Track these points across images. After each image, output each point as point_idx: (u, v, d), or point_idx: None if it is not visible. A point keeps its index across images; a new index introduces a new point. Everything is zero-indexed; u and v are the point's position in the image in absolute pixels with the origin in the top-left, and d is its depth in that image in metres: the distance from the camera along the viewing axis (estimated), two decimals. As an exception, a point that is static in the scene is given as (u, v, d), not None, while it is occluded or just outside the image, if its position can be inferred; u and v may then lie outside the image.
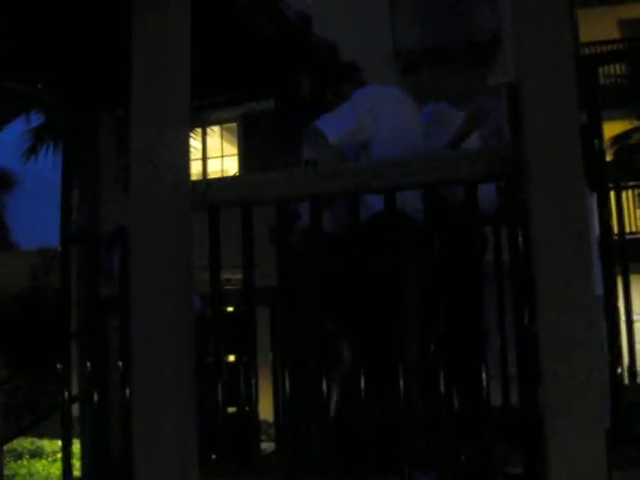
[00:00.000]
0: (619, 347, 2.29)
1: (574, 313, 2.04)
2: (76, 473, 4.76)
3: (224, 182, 2.74)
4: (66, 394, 2.98)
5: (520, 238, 2.25)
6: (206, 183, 2.77)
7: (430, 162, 2.43)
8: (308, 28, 3.70)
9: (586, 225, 2.05)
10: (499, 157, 2.35)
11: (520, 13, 2.29)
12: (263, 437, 3.49)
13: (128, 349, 2.56)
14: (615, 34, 16.12)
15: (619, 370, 2.26)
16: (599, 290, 2.31)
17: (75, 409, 3.71)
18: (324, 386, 2.46)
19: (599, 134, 2.36)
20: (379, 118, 3.05)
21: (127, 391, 2.80)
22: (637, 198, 12.06)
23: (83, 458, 3.86)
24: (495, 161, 2.34)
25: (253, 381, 2.64)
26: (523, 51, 2.27)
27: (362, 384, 2.42)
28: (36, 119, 16.02)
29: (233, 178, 2.74)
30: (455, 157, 2.51)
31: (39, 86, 3.89)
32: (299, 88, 3.66)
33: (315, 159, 3.05)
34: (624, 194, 3.57)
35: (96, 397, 3.05)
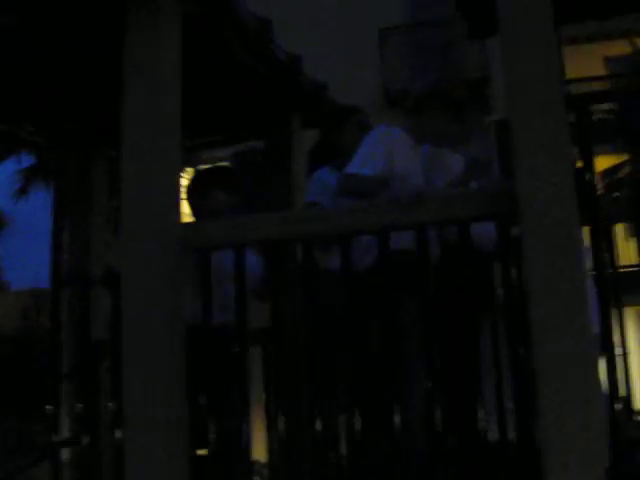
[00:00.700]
0: (616, 382, 2.28)
1: (571, 347, 2.03)
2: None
3: (215, 223, 2.73)
4: (54, 436, 2.94)
5: (514, 275, 2.25)
6: (196, 225, 2.77)
7: (425, 202, 2.44)
8: (299, 69, 3.72)
9: (581, 262, 2.05)
10: (492, 196, 2.36)
11: (509, 51, 2.31)
12: (257, 478, 3.44)
13: (119, 390, 2.53)
14: (602, 71, 16.31)
15: (617, 405, 2.24)
16: (596, 327, 2.31)
17: (66, 452, 3.66)
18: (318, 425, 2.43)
19: (591, 170, 2.37)
20: (393, 160, 3.07)
21: (118, 433, 2.76)
22: (627, 232, 12.08)
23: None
24: (489, 200, 2.35)
25: (246, 421, 2.61)
26: (512, 89, 2.29)
27: (359, 424, 2.40)
28: (27, 159, 16.08)
29: (224, 220, 2.75)
30: (450, 197, 2.51)
31: (29, 128, 3.89)
32: (290, 128, 3.69)
33: (316, 202, 3.06)
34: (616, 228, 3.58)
35: (86, 439, 3.01)
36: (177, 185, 2.65)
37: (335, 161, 3.39)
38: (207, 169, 3.67)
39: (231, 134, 4.12)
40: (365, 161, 3.05)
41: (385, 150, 3.09)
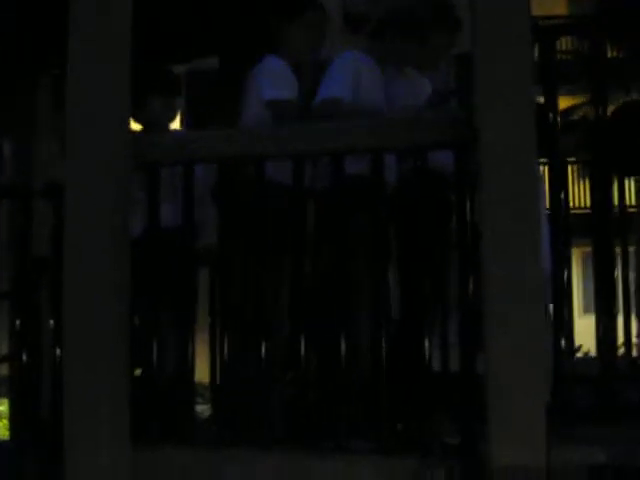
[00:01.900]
0: (563, 320, 2.30)
1: (520, 282, 2.03)
2: (4, 432, 4.65)
3: (164, 139, 2.63)
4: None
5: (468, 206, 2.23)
6: (146, 138, 2.67)
7: (379, 127, 2.39)
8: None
9: (538, 199, 2.03)
10: (450, 124, 2.31)
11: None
12: (199, 400, 3.44)
13: (60, 308, 2.47)
14: (564, 10, 16.24)
15: (562, 342, 2.26)
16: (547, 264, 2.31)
17: (5, 369, 3.60)
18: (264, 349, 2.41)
19: (554, 107, 2.34)
20: (358, 87, 3.02)
21: (58, 350, 2.71)
22: (578, 173, 12.23)
23: (11, 418, 3.76)
24: (446, 128, 2.30)
25: (190, 342, 2.58)
26: (478, 19, 2.22)
27: (304, 348, 2.39)
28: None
29: (173, 135, 2.65)
30: (405, 122, 2.46)
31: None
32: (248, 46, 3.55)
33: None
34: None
35: (25, 356, 2.95)
36: (126, 99, 2.53)
37: (279, 51, 3.21)
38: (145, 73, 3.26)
39: (186, 50, 3.98)
40: (339, 85, 2.99)
41: (354, 77, 3.03)
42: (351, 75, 3.04)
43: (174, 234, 2.55)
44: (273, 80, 3.04)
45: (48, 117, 4.12)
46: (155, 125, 3.16)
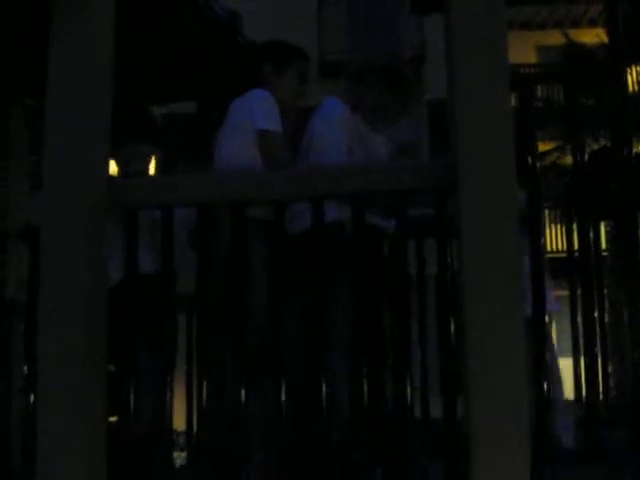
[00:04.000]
0: (544, 364, 2.29)
1: (502, 328, 2.03)
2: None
3: (143, 182, 2.61)
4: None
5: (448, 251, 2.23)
6: (124, 183, 2.65)
7: (359, 172, 2.39)
8: (238, 29, 3.61)
9: (516, 237, 2.04)
10: (429, 170, 2.32)
11: (455, 27, 2.26)
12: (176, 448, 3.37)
13: (34, 354, 2.41)
14: (533, 59, 16.64)
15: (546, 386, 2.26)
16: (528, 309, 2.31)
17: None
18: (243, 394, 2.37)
19: (533, 152, 2.36)
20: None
21: (31, 397, 2.64)
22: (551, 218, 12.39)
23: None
24: (425, 174, 2.31)
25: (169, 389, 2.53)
26: (457, 67, 2.24)
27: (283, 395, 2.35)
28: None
29: (152, 178, 2.64)
30: (384, 168, 2.47)
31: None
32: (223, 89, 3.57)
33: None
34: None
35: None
36: (104, 140, 2.51)
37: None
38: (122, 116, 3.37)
39: (165, 93, 3.98)
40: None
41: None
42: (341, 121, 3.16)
43: (153, 279, 2.52)
44: (267, 111, 3.06)
45: (23, 155, 4.07)
46: (133, 168, 3.15)
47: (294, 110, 3.28)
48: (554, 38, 14.92)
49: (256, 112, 3.03)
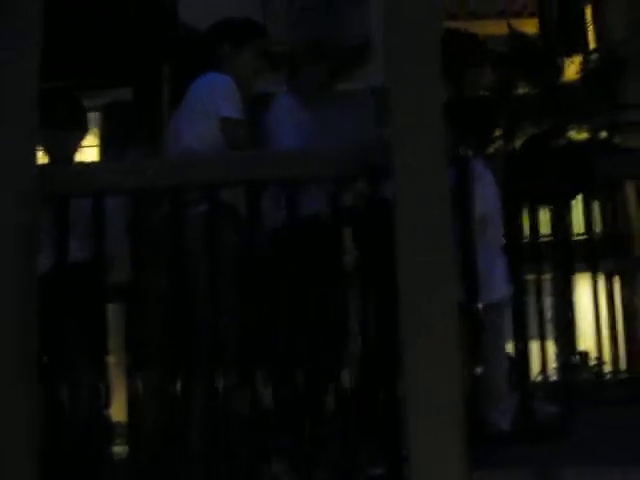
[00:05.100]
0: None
1: (433, 314, 2.04)
2: None
3: (75, 170, 2.56)
4: None
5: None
6: (55, 170, 2.59)
7: (291, 158, 2.39)
8: (175, 15, 3.56)
9: (447, 219, 2.06)
10: (363, 155, 2.32)
11: (390, 19, 2.27)
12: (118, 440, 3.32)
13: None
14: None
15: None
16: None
17: None
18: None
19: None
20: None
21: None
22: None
23: None
24: (359, 159, 2.31)
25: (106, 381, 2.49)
26: (389, 53, 2.25)
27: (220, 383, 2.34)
28: None
29: (84, 166, 2.60)
30: (317, 154, 2.47)
31: None
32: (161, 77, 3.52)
33: None
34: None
35: None
36: (32, 127, 2.45)
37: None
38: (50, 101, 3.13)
39: (100, 80, 3.90)
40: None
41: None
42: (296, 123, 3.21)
43: (84, 269, 2.47)
44: (230, 98, 3.01)
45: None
46: (60, 156, 3.08)
47: (253, 89, 3.25)
48: (498, 27, 15.11)
49: (218, 98, 2.99)
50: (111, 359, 2.70)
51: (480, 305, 2.55)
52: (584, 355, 5.41)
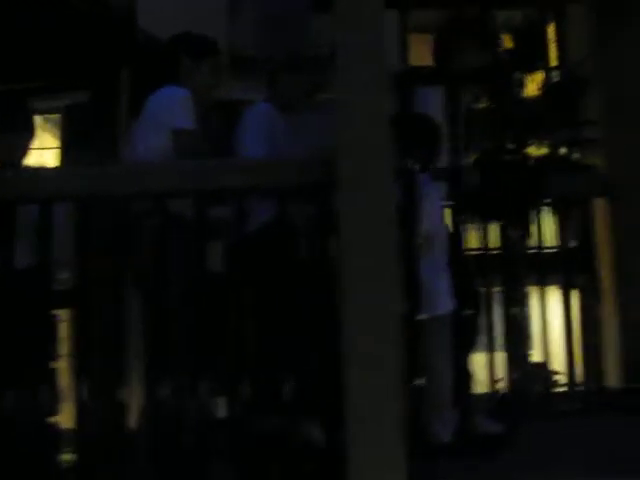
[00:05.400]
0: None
1: (376, 323, 2.06)
2: None
3: (22, 176, 2.53)
4: None
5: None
6: (2, 176, 2.57)
7: (241, 169, 2.40)
8: (134, 20, 3.56)
9: (391, 227, 2.08)
10: (312, 167, 2.34)
11: (336, 33, 2.30)
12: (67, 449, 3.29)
13: None
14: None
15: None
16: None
17: None
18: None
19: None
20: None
21: None
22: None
23: None
24: (308, 171, 2.33)
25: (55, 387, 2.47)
26: (339, 69, 2.28)
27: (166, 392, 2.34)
28: None
29: (33, 172, 2.57)
30: (267, 165, 2.48)
31: None
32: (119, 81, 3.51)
33: None
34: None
35: None
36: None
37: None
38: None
39: (57, 82, 3.87)
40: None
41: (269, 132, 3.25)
42: (266, 131, 3.25)
43: (31, 274, 2.45)
44: (186, 110, 3.05)
45: None
46: (7, 161, 3.04)
47: (209, 102, 3.31)
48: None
49: (176, 111, 3.04)
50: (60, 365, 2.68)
51: (424, 317, 2.58)
52: (539, 366, 5.47)
